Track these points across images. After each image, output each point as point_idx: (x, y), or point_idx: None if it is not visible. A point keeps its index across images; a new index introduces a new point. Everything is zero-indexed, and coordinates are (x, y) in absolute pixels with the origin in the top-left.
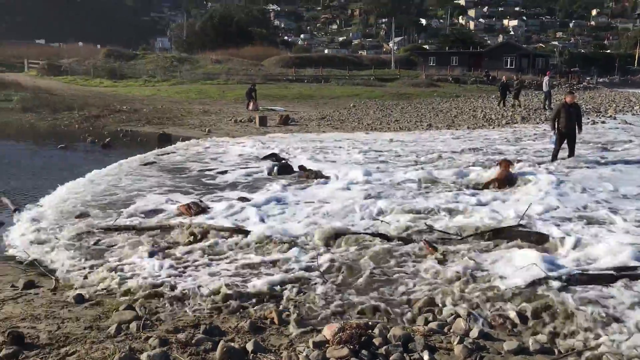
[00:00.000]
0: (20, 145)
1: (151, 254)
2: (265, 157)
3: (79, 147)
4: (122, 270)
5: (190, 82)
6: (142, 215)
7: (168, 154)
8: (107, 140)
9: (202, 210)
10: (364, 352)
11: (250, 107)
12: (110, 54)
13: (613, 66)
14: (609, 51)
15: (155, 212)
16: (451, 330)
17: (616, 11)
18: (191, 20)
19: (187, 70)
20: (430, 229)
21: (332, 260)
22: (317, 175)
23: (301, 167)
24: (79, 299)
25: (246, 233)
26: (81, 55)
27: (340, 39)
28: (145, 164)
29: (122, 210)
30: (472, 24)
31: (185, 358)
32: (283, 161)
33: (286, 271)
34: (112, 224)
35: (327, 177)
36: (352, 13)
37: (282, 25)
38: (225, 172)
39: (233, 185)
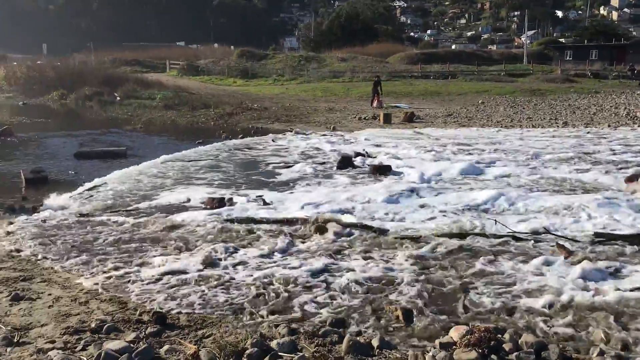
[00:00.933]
0: (163, 139)
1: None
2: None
3: (214, 142)
4: None
5: (316, 81)
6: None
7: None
8: (240, 137)
9: (223, 204)
10: (493, 357)
11: (375, 104)
12: (243, 55)
13: None
14: None
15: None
16: (590, 339)
17: None
18: (318, 19)
19: (314, 69)
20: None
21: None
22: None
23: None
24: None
25: (382, 231)
26: (216, 56)
27: (469, 33)
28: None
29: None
30: (615, 15)
31: (312, 348)
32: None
33: (423, 268)
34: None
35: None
36: (482, 6)
37: (408, 22)
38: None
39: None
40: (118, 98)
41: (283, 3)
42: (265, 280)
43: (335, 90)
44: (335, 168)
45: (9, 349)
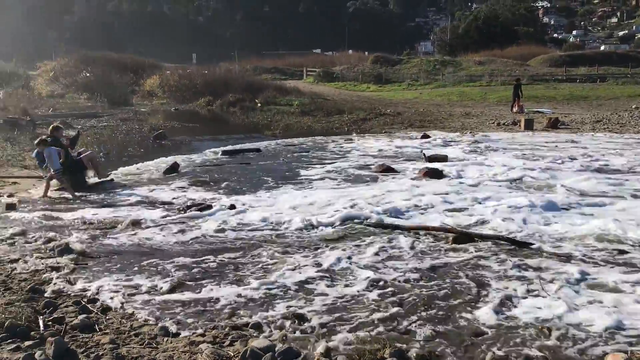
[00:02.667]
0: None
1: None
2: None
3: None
4: None
5: (451, 85)
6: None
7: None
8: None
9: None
10: None
11: (515, 109)
12: (377, 60)
13: None
14: None
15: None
16: None
17: None
18: (455, 22)
19: (449, 73)
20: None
21: None
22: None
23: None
24: None
25: (525, 244)
26: (351, 63)
27: (621, 33)
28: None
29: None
30: None
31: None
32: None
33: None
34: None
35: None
36: (637, 3)
37: (552, 22)
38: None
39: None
40: (259, 104)
41: (419, 7)
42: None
43: (472, 94)
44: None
45: (165, 339)
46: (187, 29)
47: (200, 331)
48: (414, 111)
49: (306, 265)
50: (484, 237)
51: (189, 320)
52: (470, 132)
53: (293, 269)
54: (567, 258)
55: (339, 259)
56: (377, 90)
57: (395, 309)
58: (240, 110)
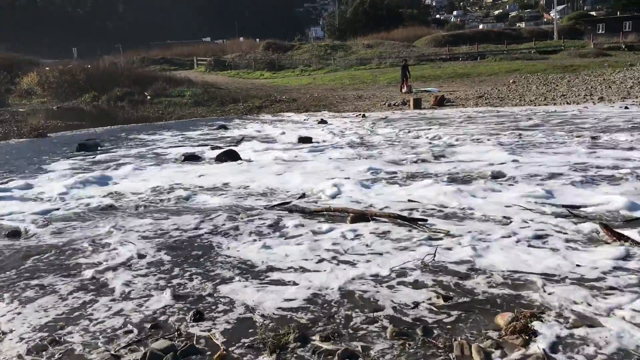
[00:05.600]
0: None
1: None
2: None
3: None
4: None
5: (343, 69)
6: None
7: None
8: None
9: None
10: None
11: (404, 90)
12: (269, 47)
13: None
14: None
15: None
16: None
17: None
18: (342, 7)
19: (341, 57)
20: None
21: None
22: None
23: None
24: None
25: (417, 220)
26: (242, 50)
27: (496, 12)
28: None
29: None
30: None
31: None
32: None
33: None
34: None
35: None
36: None
37: (433, 4)
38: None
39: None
40: (149, 97)
41: None
42: None
43: (363, 77)
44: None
45: None
46: (66, 23)
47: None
48: (309, 96)
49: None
50: (380, 216)
51: None
52: (360, 114)
53: None
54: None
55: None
56: (271, 77)
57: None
58: (129, 104)
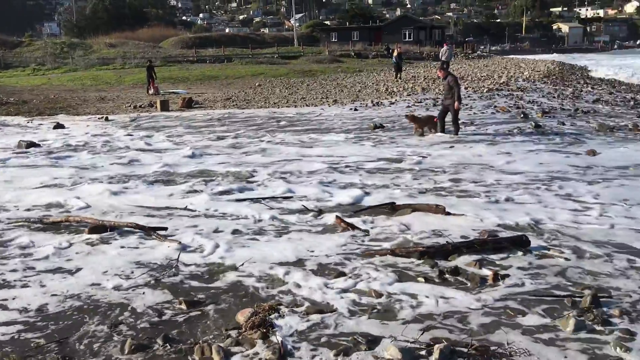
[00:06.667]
0: None
1: None
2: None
3: None
4: None
5: (83, 69)
6: None
7: None
8: None
9: None
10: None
11: (151, 91)
12: None
13: (503, 34)
14: (499, 20)
15: None
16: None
17: None
18: (81, 3)
19: (80, 57)
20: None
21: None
22: None
23: None
24: None
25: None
26: None
27: (241, 17)
28: None
29: None
30: None
31: None
32: None
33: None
34: None
35: None
36: None
37: (180, 5)
38: None
39: None
40: None
41: None
42: None
43: (106, 78)
44: None
45: None
46: None
47: None
48: (44, 98)
49: None
50: (119, 226)
51: None
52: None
53: None
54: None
55: None
56: None
57: None
58: None
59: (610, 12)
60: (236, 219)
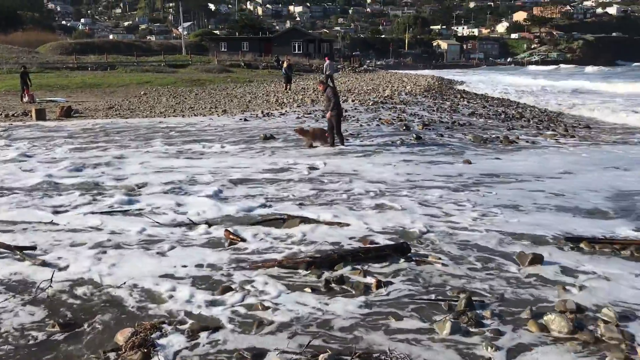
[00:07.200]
0: None
1: None
2: None
3: None
4: None
5: None
6: None
7: None
8: None
9: None
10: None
11: (26, 99)
12: None
13: (388, 50)
14: (383, 36)
15: None
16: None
17: None
18: None
19: None
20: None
21: None
22: None
23: None
24: None
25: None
26: None
27: (126, 23)
28: None
29: None
30: (260, 10)
31: None
32: None
33: None
34: None
35: None
36: None
37: (58, 9)
38: None
39: None
40: None
41: None
42: None
43: None
44: None
45: None
46: None
47: None
48: None
49: None
50: None
51: None
52: None
53: None
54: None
55: None
56: None
57: None
58: None
59: (484, 31)
60: (116, 234)
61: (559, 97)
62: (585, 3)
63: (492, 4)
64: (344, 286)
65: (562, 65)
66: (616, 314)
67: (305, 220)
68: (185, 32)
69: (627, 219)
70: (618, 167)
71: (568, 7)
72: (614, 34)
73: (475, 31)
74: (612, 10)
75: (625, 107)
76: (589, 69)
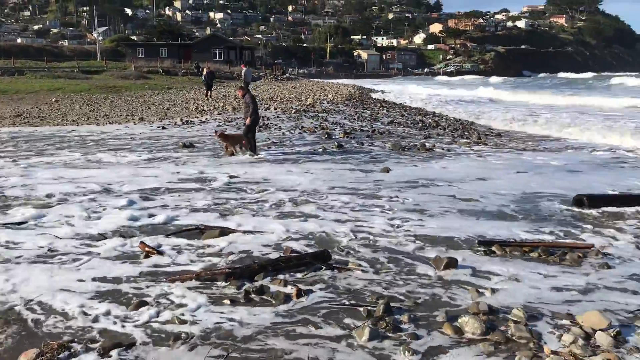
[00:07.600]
0: None
1: None
2: None
3: None
4: None
5: None
6: None
7: None
8: None
9: None
10: None
11: None
12: None
13: (310, 58)
14: (305, 45)
15: None
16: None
17: (309, 8)
18: None
19: None
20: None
21: None
22: None
23: None
24: None
25: None
26: None
27: (36, 27)
28: None
29: None
30: (179, 16)
31: None
32: None
33: None
34: None
35: None
36: None
37: None
38: None
39: None
40: None
41: None
42: None
43: None
44: None
45: None
46: None
47: None
48: None
49: None
50: None
51: None
52: None
53: None
54: None
55: None
56: None
57: None
58: None
59: (402, 42)
60: (17, 248)
61: (468, 107)
62: (496, 16)
63: (409, 15)
64: (264, 296)
65: (465, 77)
66: (525, 314)
67: (224, 230)
68: (100, 37)
69: (527, 220)
70: (526, 172)
71: (481, 20)
72: (522, 47)
73: (394, 42)
74: (521, 24)
75: (525, 116)
76: (494, 79)
